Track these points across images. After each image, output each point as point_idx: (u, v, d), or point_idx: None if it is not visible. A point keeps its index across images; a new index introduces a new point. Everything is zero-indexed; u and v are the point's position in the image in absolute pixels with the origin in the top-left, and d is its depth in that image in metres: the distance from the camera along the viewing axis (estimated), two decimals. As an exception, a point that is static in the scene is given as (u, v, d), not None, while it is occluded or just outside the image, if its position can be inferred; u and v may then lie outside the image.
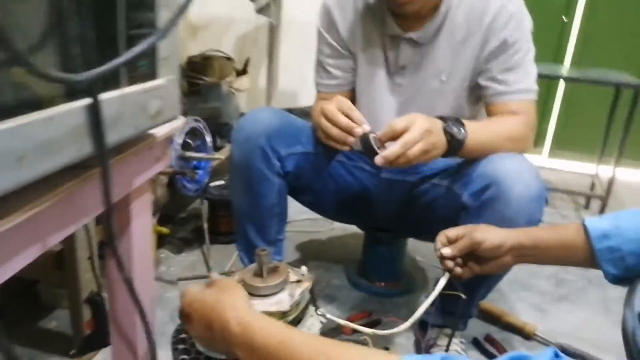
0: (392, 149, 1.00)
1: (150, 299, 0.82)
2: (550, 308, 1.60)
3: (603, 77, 2.15)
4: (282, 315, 0.96)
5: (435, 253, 0.97)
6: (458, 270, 0.95)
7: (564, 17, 2.81)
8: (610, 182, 2.16)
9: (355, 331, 1.38)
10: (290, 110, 2.72)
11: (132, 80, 0.47)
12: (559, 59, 2.87)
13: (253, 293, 0.97)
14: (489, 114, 1.23)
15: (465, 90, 1.26)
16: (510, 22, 1.16)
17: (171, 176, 1.52)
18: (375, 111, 1.33)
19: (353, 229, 1.82)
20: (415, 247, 1.81)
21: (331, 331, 1.38)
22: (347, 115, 1.09)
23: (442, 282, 0.95)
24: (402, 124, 1.01)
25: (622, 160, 2.17)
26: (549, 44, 2.86)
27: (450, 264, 0.95)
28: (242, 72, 2.58)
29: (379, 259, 1.64)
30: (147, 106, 0.50)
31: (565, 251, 0.91)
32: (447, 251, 0.95)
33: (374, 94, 1.32)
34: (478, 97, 1.28)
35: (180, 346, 0.96)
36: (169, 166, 1.50)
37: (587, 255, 0.88)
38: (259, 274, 0.98)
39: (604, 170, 2.32)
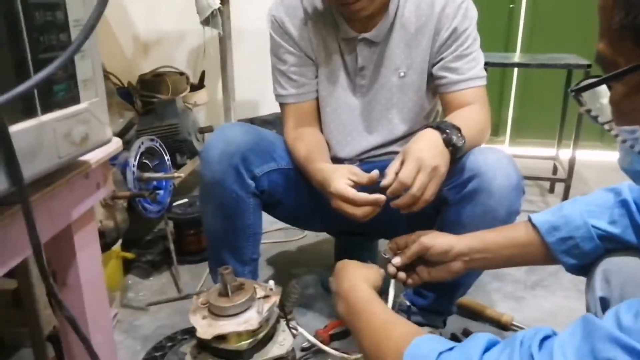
0: (403, 200, 0.98)
1: (107, 332, 0.78)
2: (526, 296, 1.61)
3: (553, 60, 2.19)
4: (252, 334, 0.93)
5: (384, 257, 0.98)
6: (402, 275, 0.96)
7: (510, 4, 2.85)
8: (572, 165, 2.20)
9: (332, 340, 1.38)
10: (251, 121, 2.71)
11: (49, 107, 0.43)
12: (510, 47, 2.91)
13: (219, 314, 0.93)
14: (445, 103, 1.24)
15: (424, 82, 1.26)
16: (459, 11, 1.19)
17: (130, 199, 1.47)
18: (341, 114, 1.33)
19: (325, 234, 1.80)
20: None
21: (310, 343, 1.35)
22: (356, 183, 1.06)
23: (392, 292, 0.96)
24: (410, 173, 0.96)
25: (580, 142, 2.20)
26: (499, 33, 2.90)
27: (392, 269, 0.96)
28: (198, 86, 2.54)
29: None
30: (71, 133, 0.46)
31: (518, 250, 0.92)
32: (397, 261, 0.95)
33: (339, 99, 1.31)
34: (436, 89, 1.28)
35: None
36: (126, 189, 1.45)
37: (541, 250, 0.89)
38: (224, 293, 0.95)
39: (564, 154, 2.36)
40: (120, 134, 1.77)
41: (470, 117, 1.16)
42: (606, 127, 0.58)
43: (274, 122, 2.60)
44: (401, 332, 0.67)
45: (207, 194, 1.25)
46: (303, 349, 1.35)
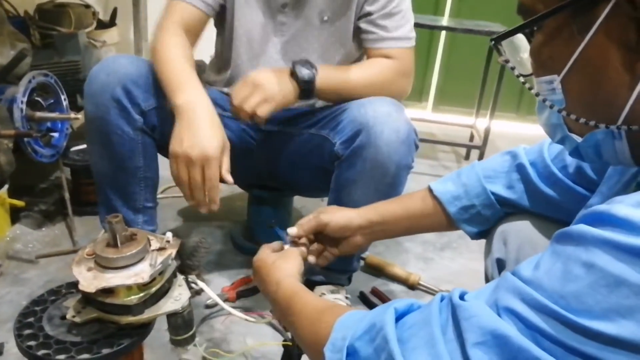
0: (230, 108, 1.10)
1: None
2: (435, 257, 1.64)
3: (478, 27, 2.21)
4: (143, 288, 0.85)
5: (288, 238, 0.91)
6: (311, 259, 0.91)
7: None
8: (487, 133, 2.26)
9: (239, 298, 1.33)
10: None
11: None
12: (439, 12, 2.92)
13: (107, 266, 0.84)
14: (368, 57, 1.20)
15: (349, 32, 1.20)
16: None
17: (17, 139, 1.30)
18: (258, 54, 1.23)
19: (239, 190, 1.72)
20: (302, 204, 1.76)
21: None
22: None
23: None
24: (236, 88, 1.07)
25: (496, 113, 2.26)
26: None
27: (303, 248, 0.89)
28: (109, 24, 2.31)
29: (264, 219, 1.56)
30: None
31: (418, 220, 0.90)
32: (292, 231, 0.90)
33: (256, 36, 1.22)
34: (360, 42, 1.23)
35: (26, 331, 0.83)
36: (13, 128, 1.28)
37: (442, 219, 0.88)
38: (112, 244, 0.86)
39: (482, 123, 2.42)
40: (9, 67, 1.56)
41: (366, 67, 1.17)
42: (522, 79, 0.57)
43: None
44: (336, 312, 0.61)
45: (91, 131, 1.15)
46: (208, 306, 1.29)
